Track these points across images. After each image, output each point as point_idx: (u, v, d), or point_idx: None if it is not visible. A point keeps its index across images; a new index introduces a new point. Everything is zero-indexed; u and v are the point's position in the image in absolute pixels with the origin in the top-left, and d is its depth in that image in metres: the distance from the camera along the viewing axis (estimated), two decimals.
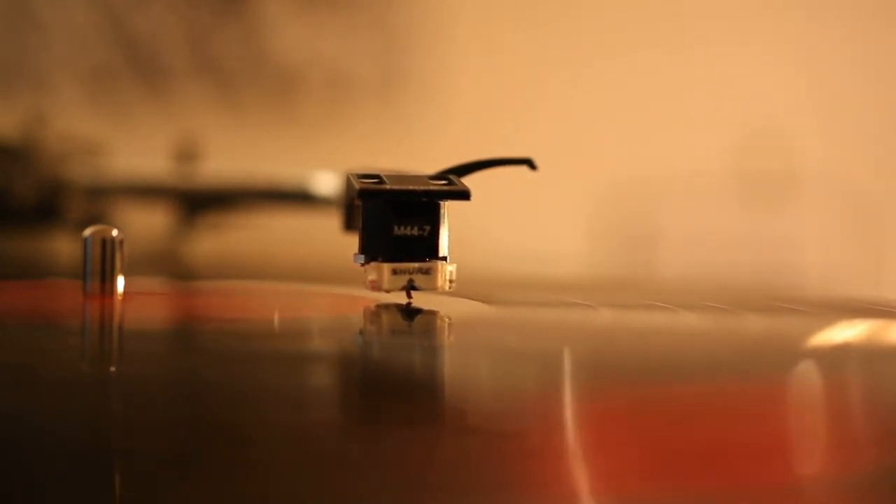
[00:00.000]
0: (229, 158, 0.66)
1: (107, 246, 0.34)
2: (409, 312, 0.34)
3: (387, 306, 0.35)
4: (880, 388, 0.27)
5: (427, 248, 0.33)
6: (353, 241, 0.34)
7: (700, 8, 0.89)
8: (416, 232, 0.33)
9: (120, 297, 0.34)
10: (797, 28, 0.87)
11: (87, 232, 0.34)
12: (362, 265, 0.34)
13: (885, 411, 0.25)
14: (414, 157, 0.45)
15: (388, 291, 0.33)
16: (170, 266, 0.58)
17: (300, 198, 0.62)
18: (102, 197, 0.64)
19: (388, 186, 0.33)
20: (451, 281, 0.34)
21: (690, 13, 0.88)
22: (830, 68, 0.87)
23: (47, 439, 0.20)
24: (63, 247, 0.62)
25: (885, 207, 0.85)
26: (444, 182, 0.34)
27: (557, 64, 0.89)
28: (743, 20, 0.88)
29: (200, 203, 0.63)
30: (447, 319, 0.35)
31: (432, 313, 0.35)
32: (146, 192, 0.64)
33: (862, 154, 0.87)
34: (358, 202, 0.34)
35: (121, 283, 0.34)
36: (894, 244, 0.85)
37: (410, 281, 0.33)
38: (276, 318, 0.37)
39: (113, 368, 0.28)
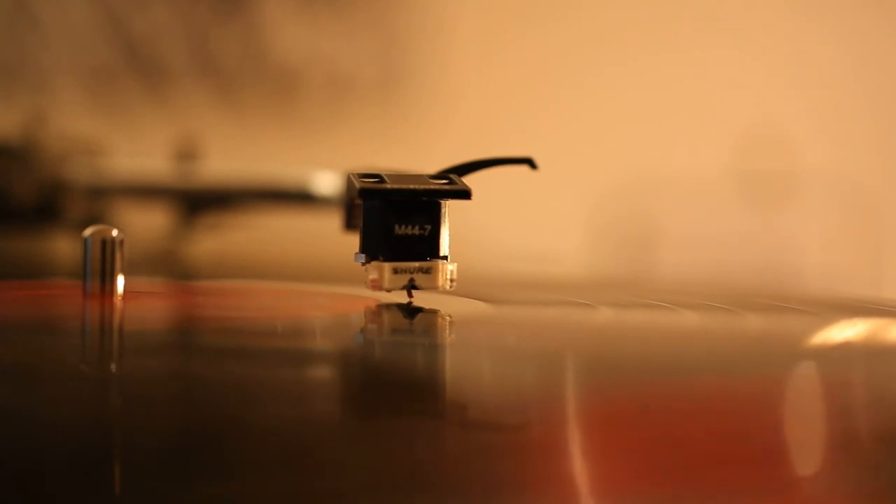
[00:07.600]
0: (229, 158, 0.66)
1: (107, 246, 0.34)
2: (410, 311, 0.34)
3: (388, 305, 0.35)
4: (880, 387, 0.27)
5: (428, 248, 0.33)
6: (353, 241, 0.34)
7: (700, 8, 0.89)
8: (416, 231, 0.33)
9: (120, 297, 0.34)
10: (797, 29, 0.87)
11: (87, 232, 0.34)
12: (363, 264, 0.34)
13: (885, 411, 0.25)
14: (414, 156, 0.45)
15: (388, 291, 0.33)
16: (170, 266, 0.58)
17: (300, 198, 0.62)
18: (102, 197, 0.64)
19: (388, 186, 0.33)
20: (451, 280, 0.34)
21: (691, 13, 0.88)
22: (830, 69, 0.87)
23: (48, 439, 0.20)
24: (63, 247, 0.62)
25: (885, 207, 0.85)
26: (444, 181, 0.34)
27: (558, 64, 0.89)
28: (743, 21, 0.88)
29: (200, 203, 0.63)
30: (448, 318, 0.35)
31: (433, 312, 0.35)
32: (146, 192, 0.64)
33: (862, 154, 0.87)
34: (358, 201, 0.34)
35: (121, 283, 0.34)
36: (894, 244, 0.85)
37: (411, 280, 0.33)
38: (276, 317, 0.37)
39: (113, 368, 0.28)
